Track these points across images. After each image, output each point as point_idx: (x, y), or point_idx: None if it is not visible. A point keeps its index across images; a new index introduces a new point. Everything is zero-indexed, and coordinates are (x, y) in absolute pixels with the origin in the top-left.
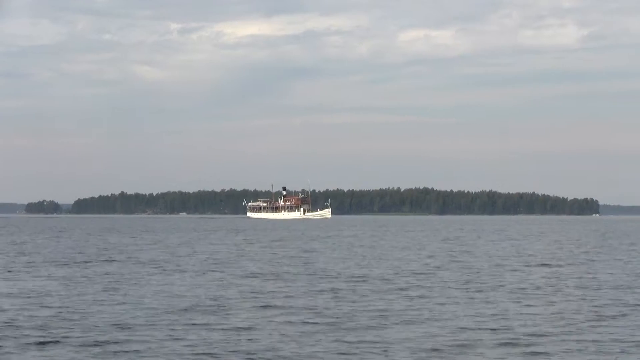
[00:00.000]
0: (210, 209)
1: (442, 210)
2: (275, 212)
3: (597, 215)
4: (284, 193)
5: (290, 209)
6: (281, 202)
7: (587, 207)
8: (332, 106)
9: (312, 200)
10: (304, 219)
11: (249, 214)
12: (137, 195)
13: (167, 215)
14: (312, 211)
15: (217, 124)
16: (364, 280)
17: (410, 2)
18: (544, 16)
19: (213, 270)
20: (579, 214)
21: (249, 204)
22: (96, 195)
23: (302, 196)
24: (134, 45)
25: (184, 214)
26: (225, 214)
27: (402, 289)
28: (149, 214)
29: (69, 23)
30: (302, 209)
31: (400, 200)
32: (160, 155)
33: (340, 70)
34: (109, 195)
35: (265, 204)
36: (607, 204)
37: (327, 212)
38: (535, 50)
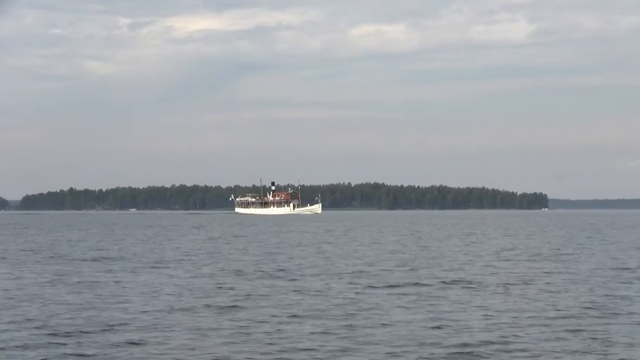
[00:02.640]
0: (160, 204)
1: (393, 205)
2: (264, 207)
3: (546, 209)
4: (273, 188)
5: (279, 204)
6: (270, 198)
7: (536, 201)
8: (283, 101)
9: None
10: (294, 214)
11: (237, 210)
12: (86, 191)
13: (117, 212)
14: (301, 206)
15: (167, 119)
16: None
17: None
18: (494, 11)
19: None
20: (528, 208)
21: (237, 199)
22: (45, 192)
23: (292, 191)
24: (83, 40)
25: (134, 209)
26: (175, 209)
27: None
28: (98, 210)
29: (17, 17)
30: (291, 204)
31: (350, 196)
32: (110, 150)
33: (291, 66)
34: (58, 192)
35: (253, 200)
36: (556, 198)
37: (317, 207)
38: (485, 45)
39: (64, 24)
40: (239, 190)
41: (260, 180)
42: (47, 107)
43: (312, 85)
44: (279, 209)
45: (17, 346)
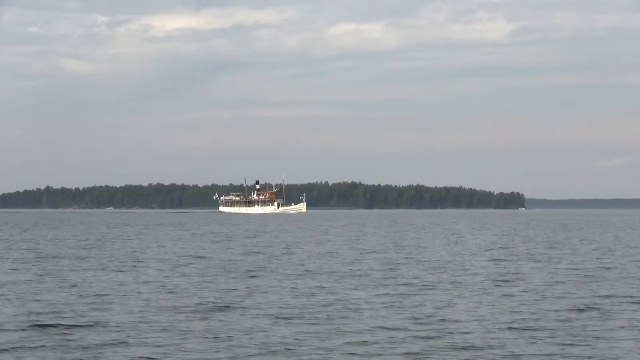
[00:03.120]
0: (137, 203)
1: (370, 205)
2: (249, 206)
3: (523, 209)
4: (257, 187)
5: (264, 203)
6: (254, 196)
7: (513, 201)
8: (261, 100)
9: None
10: (278, 213)
11: (221, 208)
12: (63, 190)
13: (94, 210)
14: (286, 205)
15: (145, 118)
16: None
17: None
18: (473, 10)
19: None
20: (505, 207)
21: (221, 198)
22: (21, 190)
23: (276, 190)
24: (61, 38)
25: (111, 208)
26: (152, 208)
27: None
28: (75, 208)
29: None
30: (276, 203)
31: (328, 195)
32: (87, 149)
33: (269, 64)
34: (35, 190)
35: (237, 198)
36: (533, 197)
37: (301, 207)
38: (464, 44)
39: (41, 22)
40: (216, 189)
41: (245, 179)
42: (23, 105)
43: (289, 84)
44: (264, 207)
45: None
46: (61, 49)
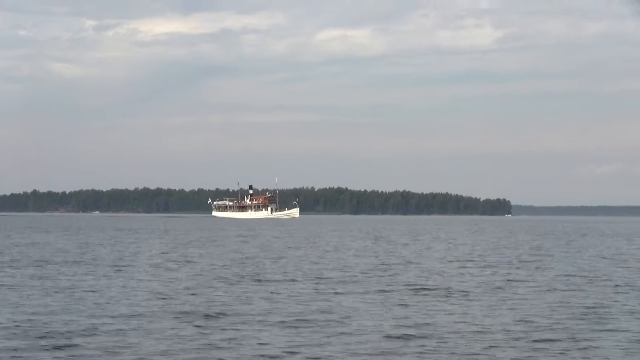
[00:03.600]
0: (124, 207)
1: (356, 210)
2: (242, 211)
3: (509, 215)
4: (251, 192)
5: (257, 208)
6: (248, 201)
7: (499, 207)
8: (249, 105)
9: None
10: (271, 219)
11: (215, 213)
12: (49, 194)
13: (80, 214)
14: (279, 210)
15: (132, 122)
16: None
17: (328, 1)
18: (461, 16)
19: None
20: (491, 214)
21: (215, 202)
22: (8, 193)
23: (270, 195)
24: (49, 41)
25: (97, 212)
26: (138, 212)
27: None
28: (61, 212)
29: None
30: (269, 208)
31: (314, 200)
32: (74, 152)
33: (256, 69)
34: (21, 193)
35: (231, 203)
36: (519, 204)
37: (295, 212)
38: (451, 50)
39: (29, 26)
40: (202, 194)
41: (238, 184)
42: (11, 108)
43: (276, 88)
44: (257, 212)
45: None
46: (50, 52)
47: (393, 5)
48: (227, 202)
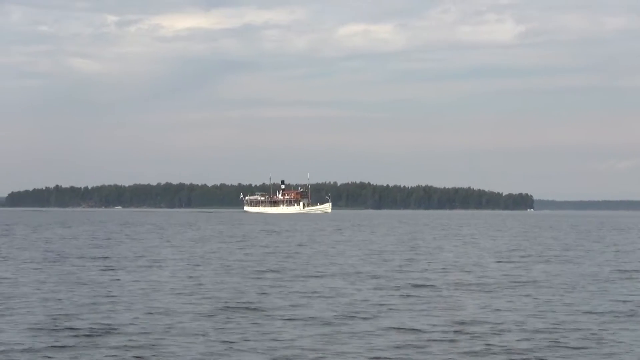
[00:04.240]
0: (146, 202)
1: (379, 205)
2: (274, 206)
3: (532, 210)
4: (283, 187)
5: (289, 202)
6: (279, 196)
7: (521, 202)
8: (270, 100)
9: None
10: (304, 213)
11: (246, 208)
12: (72, 189)
13: (102, 209)
14: (312, 205)
15: (154, 117)
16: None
17: None
18: (482, 12)
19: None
20: (513, 208)
21: (247, 197)
22: (30, 189)
23: (302, 190)
24: (70, 37)
25: (119, 207)
26: (161, 207)
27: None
28: (84, 207)
29: (3, 14)
30: (301, 203)
31: (336, 195)
32: (95, 148)
33: (277, 64)
34: (44, 189)
35: (262, 198)
36: (541, 198)
37: (327, 207)
38: (472, 45)
39: (51, 21)
40: (225, 189)
41: (270, 179)
42: (32, 104)
43: (297, 84)
44: (289, 207)
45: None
46: (70, 48)
47: (414, 0)
48: (258, 197)
